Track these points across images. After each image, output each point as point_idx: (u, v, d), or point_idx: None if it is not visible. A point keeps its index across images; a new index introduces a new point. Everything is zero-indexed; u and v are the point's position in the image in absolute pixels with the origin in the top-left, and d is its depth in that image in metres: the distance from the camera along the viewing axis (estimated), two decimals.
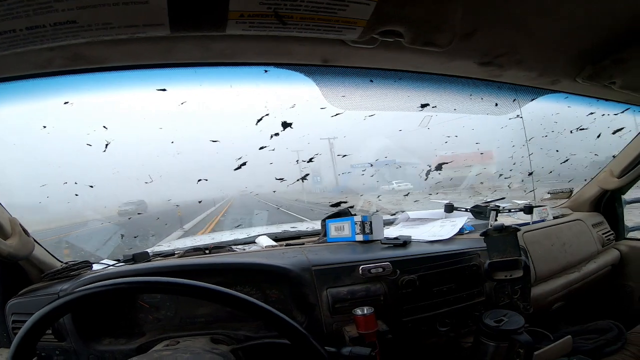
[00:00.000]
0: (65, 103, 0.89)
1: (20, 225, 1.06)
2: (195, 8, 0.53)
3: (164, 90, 0.87)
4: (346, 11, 0.56)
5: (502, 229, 1.15)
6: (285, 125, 1.19)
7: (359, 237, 1.28)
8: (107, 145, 1.25)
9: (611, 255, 1.72)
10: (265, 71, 0.79)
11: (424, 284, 1.10)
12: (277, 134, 1.29)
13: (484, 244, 1.18)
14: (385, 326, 0.97)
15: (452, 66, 0.87)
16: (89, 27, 0.55)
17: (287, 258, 1.09)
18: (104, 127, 1.26)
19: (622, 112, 1.40)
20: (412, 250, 1.19)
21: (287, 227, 1.70)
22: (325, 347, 0.74)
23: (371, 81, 0.90)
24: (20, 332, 0.65)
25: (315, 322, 1.01)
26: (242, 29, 0.57)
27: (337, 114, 1.16)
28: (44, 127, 1.21)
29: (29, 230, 1.09)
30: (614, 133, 1.63)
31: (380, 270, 1.06)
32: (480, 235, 1.18)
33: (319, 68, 0.81)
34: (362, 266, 1.06)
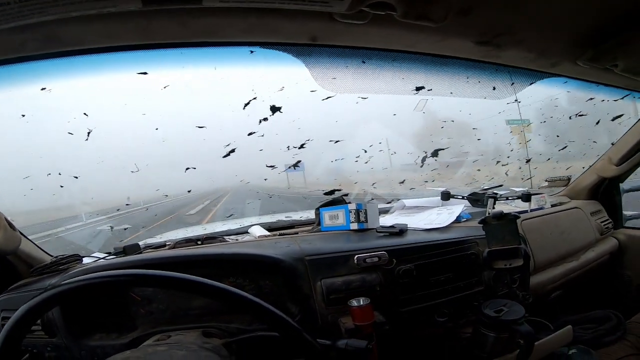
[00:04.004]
0: (43, 89, 0.85)
1: (6, 219, 1.03)
2: None
3: (145, 73, 0.83)
4: None
5: (501, 216, 1.12)
6: (275, 109, 1.15)
7: (354, 226, 1.25)
8: (89, 133, 1.21)
9: (609, 244, 1.71)
10: (251, 52, 0.75)
11: (422, 273, 1.08)
12: (265, 119, 1.25)
13: (483, 232, 1.15)
14: (382, 317, 0.95)
15: (447, 45, 0.83)
16: (56, 2, 0.51)
17: (280, 248, 1.07)
18: (85, 114, 1.21)
19: (622, 98, 1.37)
20: (408, 239, 1.17)
21: (281, 217, 1.68)
22: (320, 340, 0.71)
23: (363, 62, 0.86)
24: (4, 329, 0.63)
25: (309, 313, 0.99)
26: (220, 0, 0.53)
27: (328, 97, 1.12)
28: (23, 115, 1.16)
29: (15, 224, 1.06)
30: (613, 120, 1.61)
31: (376, 259, 1.04)
32: (479, 223, 1.16)
33: (308, 48, 0.77)
34: (357, 255, 1.03)
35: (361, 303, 0.89)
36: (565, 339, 1.10)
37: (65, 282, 0.67)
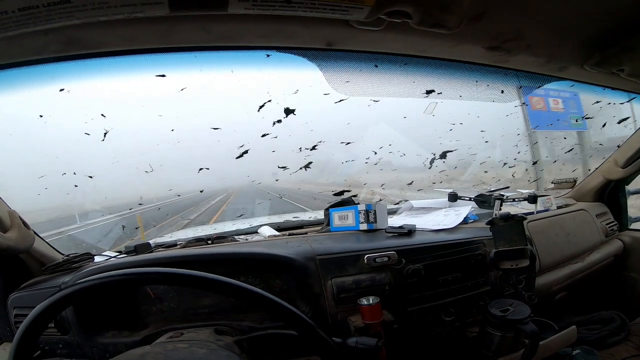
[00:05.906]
0: (61, 90, 0.87)
1: (20, 217, 1.04)
2: None
3: (163, 76, 0.84)
4: None
5: (509, 217, 1.13)
6: (288, 111, 1.17)
7: (363, 226, 1.26)
8: (105, 134, 1.23)
9: (614, 246, 1.71)
10: (268, 55, 0.76)
11: (430, 273, 1.09)
12: (279, 121, 1.26)
13: (489, 233, 1.17)
14: (390, 316, 0.96)
15: (459, 50, 0.85)
16: (84, 7, 0.52)
17: (291, 247, 1.08)
18: (102, 115, 1.23)
19: (628, 101, 1.38)
20: (417, 239, 1.18)
21: (290, 217, 1.69)
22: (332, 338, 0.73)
23: (376, 66, 0.87)
24: (22, 327, 0.64)
25: (319, 312, 1.00)
26: (245, 7, 0.55)
27: (340, 100, 1.13)
28: (40, 116, 1.18)
29: (29, 223, 1.08)
30: (619, 122, 1.61)
31: (386, 259, 1.05)
32: (486, 224, 1.17)
33: (323, 52, 0.79)
34: (367, 255, 1.05)
35: (371, 302, 0.90)
36: (570, 339, 1.11)
37: (80, 280, 0.68)
